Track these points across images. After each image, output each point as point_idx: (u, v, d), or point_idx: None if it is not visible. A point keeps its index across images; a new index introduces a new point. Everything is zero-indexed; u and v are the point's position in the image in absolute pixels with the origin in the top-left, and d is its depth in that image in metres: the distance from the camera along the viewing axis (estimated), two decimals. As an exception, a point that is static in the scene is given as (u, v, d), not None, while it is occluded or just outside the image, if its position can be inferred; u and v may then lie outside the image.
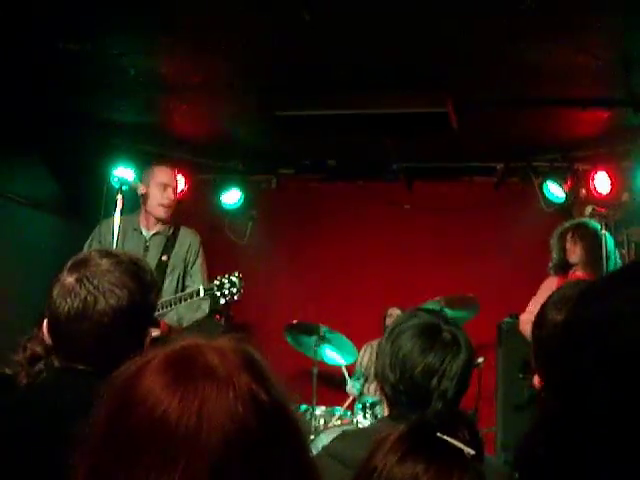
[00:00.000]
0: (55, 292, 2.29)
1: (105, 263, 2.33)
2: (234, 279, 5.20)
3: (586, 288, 1.22)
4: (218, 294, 5.17)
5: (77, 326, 2.25)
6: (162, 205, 5.62)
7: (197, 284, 5.56)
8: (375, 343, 8.13)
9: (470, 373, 2.60)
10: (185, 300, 5.25)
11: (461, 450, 1.90)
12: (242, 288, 5.24)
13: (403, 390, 2.52)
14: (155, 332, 4.90)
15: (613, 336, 1.09)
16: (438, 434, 1.92)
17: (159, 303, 5.17)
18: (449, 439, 1.91)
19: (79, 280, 2.27)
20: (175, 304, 5.25)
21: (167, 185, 5.70)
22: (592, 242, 6.23)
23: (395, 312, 8.11)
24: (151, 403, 1.17)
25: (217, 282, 5.21)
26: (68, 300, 2.25)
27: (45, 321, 2.35)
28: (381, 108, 6.20)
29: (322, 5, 4.67)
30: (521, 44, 5.14)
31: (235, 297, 5.22)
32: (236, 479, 1.15)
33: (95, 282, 2.27)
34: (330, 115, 6.38)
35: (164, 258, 5.62)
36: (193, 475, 1.13)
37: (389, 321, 8.08)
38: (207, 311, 5.54)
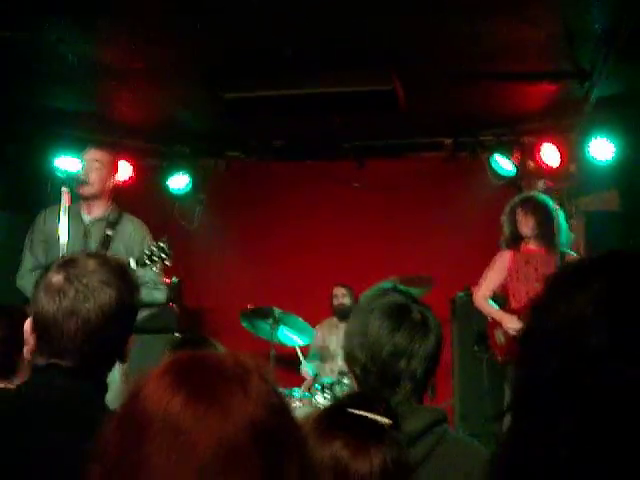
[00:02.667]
0: (42, 291, 2.30)
1: (92, 263, 2.34)
2: (162, 244, 5.19)
3: (545, 289, 1.15)
4: (149, 262, 5.15)
5: (65, 324, 2.26)
6: (77, 180, 5.43)
7: (149, 274, 5.50)
8: (326, 323, 8.16)
9: (439, 353, 2.59)
10: None
11: (376, 422, 1.90)
12: (171, 251, 5.22)
13: (372, 370, 2.50)
14: None
15: (572, 346, 1.04)
16: (349, 410, 1.93)
17: None
18: (360, 412, 1.92)
19: (67, 279, 2.28)
20: None
21: (88, 162, 5.55)
22: (543, 215, 6.29)
23: (340, 291, 8.14)
24: (159, 398, 1.15)
25: (147, 251, 5.18)
26: (57, 299, 2.26)
27: (29, 320, 2.36)
28: (328, 87, 6.17)
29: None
30: (465, 19, 5.13)
31: (166, 262, 5.22)
32: (254, 466, 1.14)
33: (84, 281, 2.28)
34: (277, 96, 6.33)
35: (104, 245, 5.50)
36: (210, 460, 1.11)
37: (335, 301, 8.11)
38: (164, 299, 5.52)
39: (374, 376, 2.50)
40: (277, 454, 1.16)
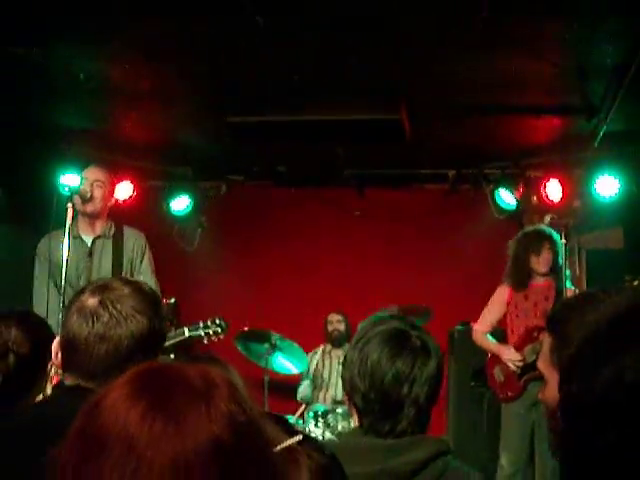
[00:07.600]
0: (75, 313, 2.34)
1: (126, 290, 2.39)
2: (222, 323, 5.60)
3: (582, 348, 1.15)
4: (202, 333, 5.37)
5: (96, 348, 2.30)
6: (80, 197, 5.45)
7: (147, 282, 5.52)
8: (319, 350, 8.11)
9: (441, 378, 2.54)
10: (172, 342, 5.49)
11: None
12: (227, 328, 5.68)
13: (374, 399, 2.45)
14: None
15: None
16: None
17: None
18: None
19: (102, 303, 2.33)
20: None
21: (91, 181, 5.55)
22: (558, 250, 6.21)
23: (335, 318, 8.11)
24: (117, 409, 1.13)
25: (202, 324, 5.55)
26: (89, 322, 2.30)
27: (57, 339, 2.45)
28: (334, 115, 6.14)
29: (275, 10, 4.58)
30: (475, 52, 5.12)
31: (220, 336, 5.63)
32: None
33: (118, 307, 2.33)
34: (281, 121, 6.31)
35: (115, 263, 5.55)
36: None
37: (330, 326, 8.08)
38: None
39: (376, 405, 2.45)
40: (238, 475, 1.13)
